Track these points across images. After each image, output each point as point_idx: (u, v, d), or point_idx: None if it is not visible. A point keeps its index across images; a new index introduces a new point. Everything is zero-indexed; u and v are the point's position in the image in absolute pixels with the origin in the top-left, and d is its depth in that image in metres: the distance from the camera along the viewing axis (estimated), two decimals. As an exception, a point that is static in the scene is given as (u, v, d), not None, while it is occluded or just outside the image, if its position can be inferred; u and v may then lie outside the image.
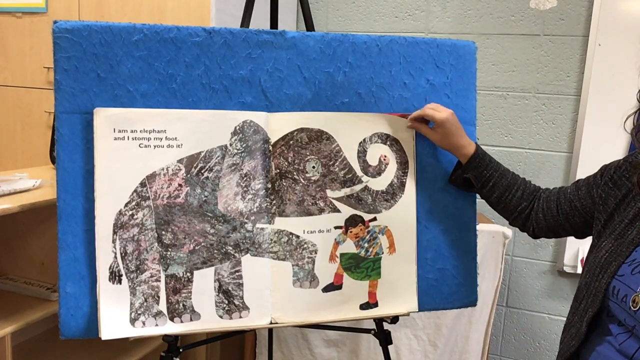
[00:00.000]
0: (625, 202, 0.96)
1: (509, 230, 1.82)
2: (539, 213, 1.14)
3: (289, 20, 2.27)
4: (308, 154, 1.15)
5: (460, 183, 1.21)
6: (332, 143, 1.17)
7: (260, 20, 1.50)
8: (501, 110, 2.12)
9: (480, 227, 1.31)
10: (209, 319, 1.11)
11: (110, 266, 1.05)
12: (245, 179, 1.12)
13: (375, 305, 1.21)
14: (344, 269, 1.19)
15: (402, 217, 1.21)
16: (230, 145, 1.11)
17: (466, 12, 2.11)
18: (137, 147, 1.05)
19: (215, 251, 1.11)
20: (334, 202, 1.17)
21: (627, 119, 0.98)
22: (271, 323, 1.15)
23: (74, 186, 1.05)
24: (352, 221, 1.19)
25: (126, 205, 1.06)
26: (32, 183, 1.44)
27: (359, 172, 1.18)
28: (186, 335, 1.27)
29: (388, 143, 1.20)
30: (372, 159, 1.19)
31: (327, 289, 1.18)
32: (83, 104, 1.04)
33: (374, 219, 1.20)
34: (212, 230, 1.11)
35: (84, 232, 1.05)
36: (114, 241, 1.05)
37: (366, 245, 1.20)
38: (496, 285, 1.89)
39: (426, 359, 1.91)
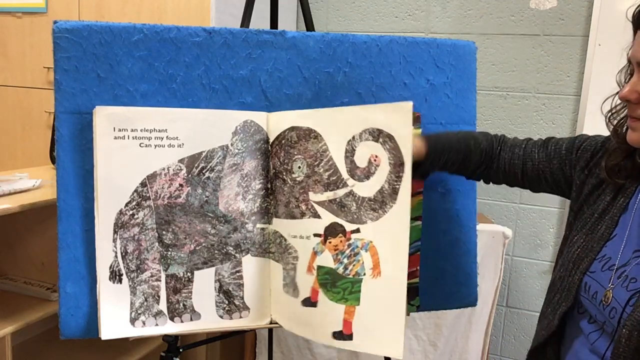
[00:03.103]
0: (596, 195, 0.95)
1: (509, 230, 1.82)
2: (499, 173, 1.11)
3: (289, 20, 2.28)
4: (295, 153, 1.10)
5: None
6: (320, 142, 1.07)
7: (260, 20, 1.50)
8: (501, 110, 2.12)
9: (480, 227, 1.31)
10: (209, 319, 1.11)
11: (111, 265, 1.05)
12: (246, 179, 1.12)
13: (350, 337, 1.02)
14: (320, 284, 1.06)
15: (391, 233, 0.99)
16: (232, 145, 1.10)
17: (466, 12, 2.11)
18: (138, 147, 1.05)
19: (216, 251, 1.11)
20: (315, 206, 1.07)
21: (605, 100, 0.95)
22: (271, 323, 1.15)
23: (74, 186, 1.04)
24: (332, 230, 1.05)
25: (127, 205, 1.05)
26: (32, 183, 1.44)
27: (345, 175, 1.05)
28: (186, 335, 1.27)
29: (380, 140, 1.00)
30: (361, 160, 1.03)
31: (305, 302, 1.08)
32: (83, 103, 1.04)
33: (357, 230, 1.03)
34: (213, 230, 1.10)
35: (84, 232, 1.05)
36: (114, 240, 1.05)
37: (345, 261, 1.03)
38: (496, 285, 1.90)
39: (426, 359, 1.91)
